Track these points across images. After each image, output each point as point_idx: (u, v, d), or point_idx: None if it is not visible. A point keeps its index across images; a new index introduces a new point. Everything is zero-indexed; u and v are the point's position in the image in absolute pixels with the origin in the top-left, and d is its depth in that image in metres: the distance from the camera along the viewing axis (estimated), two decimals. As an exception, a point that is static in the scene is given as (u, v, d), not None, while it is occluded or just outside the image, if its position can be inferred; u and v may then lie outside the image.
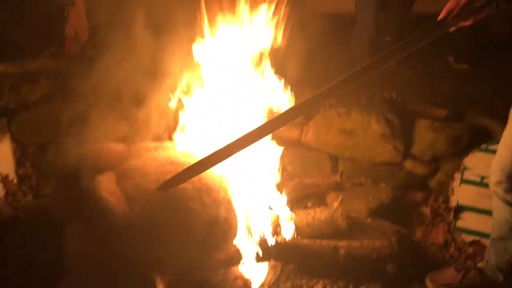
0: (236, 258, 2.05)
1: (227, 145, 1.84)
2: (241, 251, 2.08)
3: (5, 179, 2.64)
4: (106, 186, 1.87)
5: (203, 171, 1.92)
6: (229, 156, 1.86)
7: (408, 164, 2.80)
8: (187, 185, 1.90)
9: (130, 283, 1.84)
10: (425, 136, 2.73)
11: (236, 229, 2.09)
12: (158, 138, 2.43)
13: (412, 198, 2.74)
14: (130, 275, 1.84)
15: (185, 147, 2.27)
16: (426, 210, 2.65)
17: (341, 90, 1.78)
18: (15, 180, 2.73)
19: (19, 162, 2.89)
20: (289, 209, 2.47)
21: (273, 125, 1.83)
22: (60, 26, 3.39)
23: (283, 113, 1.87)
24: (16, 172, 2.78)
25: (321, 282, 2.12)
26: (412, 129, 2.79)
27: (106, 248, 1.87)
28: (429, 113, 2.80)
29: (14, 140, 2.93)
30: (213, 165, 1.90)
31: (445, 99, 2.94)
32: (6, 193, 2.66)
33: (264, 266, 2.24)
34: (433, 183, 2.79)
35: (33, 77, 3.22)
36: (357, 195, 2.65)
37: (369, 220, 2.45)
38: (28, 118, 3.00)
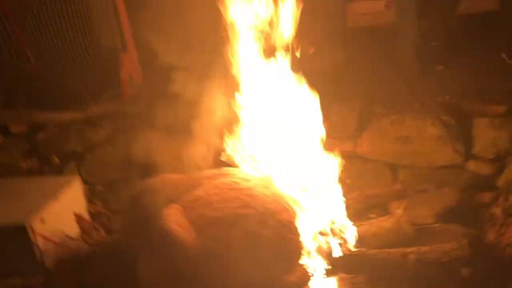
0: (305, 278, 2.06)
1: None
2: (309, 271, 2.09)
3: (79, 218, 2.79)
4: (175, 218, 1.93)
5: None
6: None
7: (471, 165, 2.71)
8: (251, 211, 1.95)
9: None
10: (486, 134, 2.65)
11: (301, 249, 2.11)
12: (216, 165, 2.51)
13: (480, 199, 2.63)
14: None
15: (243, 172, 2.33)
16: (497, 211, 2.53)
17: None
18: (88, 219, 2.89)
19: (90, 200, 3.06)
20: (352, 222, 2.46)
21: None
22: (116, 71, 3.61)
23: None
24: (88, 211, 2.94)
25: (393, 292, 2.07)
26: (470, 129, 2.72)
27: (178, 276, 1.94)
28: (487, 110, 2.72)
29: (84, 181, 3.12)
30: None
31: (502, 95, 2.84)
32: (82, 231, 2.81)
33: (333, 280, 2.22)
34: (501, 181, 2.68)
35: (96, 121, 3.44)
36: (421, 201, 2.58)
37: (436, 225, 2.39)
38: (94, 159, 3.21)
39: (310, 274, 2.06)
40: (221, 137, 2.84)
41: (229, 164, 2.49)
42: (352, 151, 2.91)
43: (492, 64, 3.41)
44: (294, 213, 2.17)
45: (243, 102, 2.37)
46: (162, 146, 3.07)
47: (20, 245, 2.41)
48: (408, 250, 2.09)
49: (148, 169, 3.05)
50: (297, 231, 2.09)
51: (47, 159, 3.28)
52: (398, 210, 2.36)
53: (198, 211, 1.97)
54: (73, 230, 2.74)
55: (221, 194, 2.06)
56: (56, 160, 3.28)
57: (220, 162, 2.75)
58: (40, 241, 2.45)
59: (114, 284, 2.26)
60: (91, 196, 3.12)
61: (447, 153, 2.68)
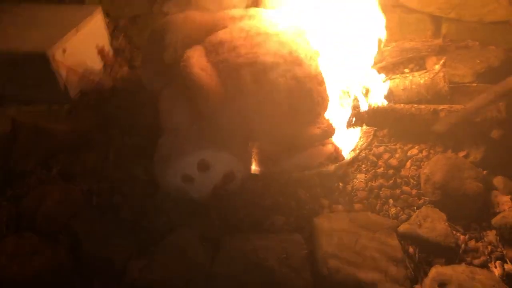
0: (329, 131, 1.99)
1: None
2: (334, 125, 2.02)
3: (101, 51, 2.72)
4: (197, 61, 1.80)
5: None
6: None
7: (526, 23, 2.44)
8: (278, 59, 1.80)
9: (226, 145, 1.87)
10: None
11: (327, 101, 2.00)
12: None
13: (527, 61, 2.44)
14: (226, 139, 1.87)
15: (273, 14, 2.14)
16: (543, 75, 2.36)
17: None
18: (111, 53, 2.82)
19: (113, 35, 2.95)
20: (384, 74, 2.33)
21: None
22: None
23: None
24: (111, 45, 2.86)
25: (416, 147, 2.02)
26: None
27: (199, 117, 1.89)
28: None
29: (106, 13, 2.99)
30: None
31: None
32: (104, 65, 2.77)
33: (357, 132, 2.19)
34: (554, 43, 2.44)
35: None
36: (461, 59, 2.39)
37: (474, 84, 2.24)
38: (117, -10, 3.02)
39: (333, 128, 2.00)
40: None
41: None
42: (395, -2, 2.65)
43: None
44: (323, 63, 2.04)
45: None
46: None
47: (44, 74, 2.40)
48: (440, 107, 1.99)
49: (174, 5, 2.89)
50: (324, 83, 1.98)
51: (68, -13, 3.11)
52: (435, 66, 2.20)
53: (222, 56, 1.84)
54: (95, 63, 2.70)
55: (247, 38, 1.90)
56: (78, -11, 3.11)
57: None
58: (62, 71, 2.43)
59: (135, 117, 2.27)
60: (114, 30, 3.01)
61: (502, 6, 2.39)
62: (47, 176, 2.01)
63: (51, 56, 2.35)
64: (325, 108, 2.01)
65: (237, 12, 2.13)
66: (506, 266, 1.61)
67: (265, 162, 2.02)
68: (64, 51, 2.43)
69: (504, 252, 1.65)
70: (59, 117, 2.35)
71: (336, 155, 2.07)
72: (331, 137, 2.01)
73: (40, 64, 2.36)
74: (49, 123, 2.14)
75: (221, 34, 1.95)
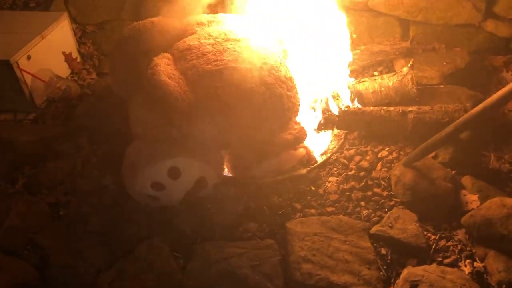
0: (301, 137, 1.98)
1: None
2: (305, 129, 2.02)
3: (68, 57, 2.67)
4: (165, 68, 1.77)
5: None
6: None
7: (489, 25, 2.50)
8: (248, 65, 1.79)
9: (198, 151, 1.84)
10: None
11: (298, 105, 2.00)
12: (211, 10, 2.30)
13: (491, 62, 2.49)
14: (197, 146, 1.84)
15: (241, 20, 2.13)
16: (507, 75, 2.41)
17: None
18: (78, 59, 2.76)
19: (80, 41, 2.90)
20: (353, 78, 2.35)
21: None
22: None
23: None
24: (79, 51, 2.80)
25: (387, 148, 2.04)
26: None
27: (169, 124, 1.86)
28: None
29: (73, 20, 2.93)
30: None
31: None
32: (72, 72, 2.71)
33: (327, 135, 2.19)
34: (517, 45, 2.50)
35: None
36: (429, 61, 2.44)
37: (441, 86, 2.28)
38: (84, -4, 2.96)
39: (305, 133, 1.99)
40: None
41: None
42: (364, 2, 2.67)
43: None
44: (292, 68, 2.04)
45: None
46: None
47: (7, 82, 2.34)
48: (409, 108, 2.01)
49: (141, 10, 2.85)
50: (295, 88, 1.98)
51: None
52: (403, 68, 2.22)
53: (191, 63, 1.81)
54: (62, 70, 2.64)
55: (215, 44, 1.88)
56: (42, -6, 3.04)
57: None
58: (28, 79, 2.37)
59: (104, 125, 2.23)
60: (81, 36, 2.95)
61: (466, 9, 2.44)
62: (12, 189, 1.95)
63: (14, 64, 2.29)
64: (296, 113, 2.01)
65: (205, 17, 2.11)
66: (476, 264, 1.64)
67: (237, 168, 2.00)
68: (28, 58, 2.38)
69: (473, 250, 1.68)
70: (24, 127, 2.29)
71: (308, 158, 2.08)
72: (303, 141, 2.02)
73: (3, 72, 2.30)
74: (13, 134, 2.08)
75: (189, 41, 1.92)
